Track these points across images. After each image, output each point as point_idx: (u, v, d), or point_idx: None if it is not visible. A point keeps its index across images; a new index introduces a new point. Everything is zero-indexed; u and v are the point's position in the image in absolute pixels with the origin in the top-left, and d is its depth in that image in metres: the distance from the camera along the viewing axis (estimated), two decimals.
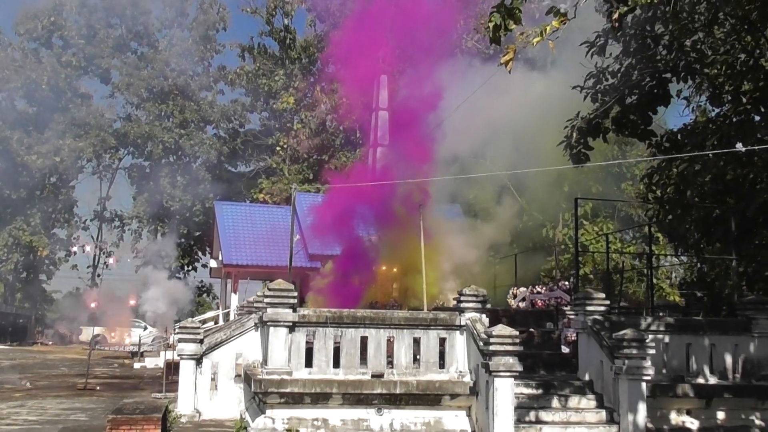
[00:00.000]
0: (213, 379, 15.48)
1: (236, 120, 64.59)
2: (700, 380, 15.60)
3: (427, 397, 14.33)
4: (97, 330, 49.34)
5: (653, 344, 14.35)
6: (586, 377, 15.30)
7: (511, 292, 29.41)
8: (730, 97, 20.17)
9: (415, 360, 14.80)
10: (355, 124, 51.73)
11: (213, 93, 65.27)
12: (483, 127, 30.52)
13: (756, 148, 17.54)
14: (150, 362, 34.87)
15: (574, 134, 20.02)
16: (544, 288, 28.31)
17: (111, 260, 58.73)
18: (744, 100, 19.58)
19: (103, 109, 63.67)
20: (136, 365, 34.77)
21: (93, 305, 44.13)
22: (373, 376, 14.33)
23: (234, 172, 64.65)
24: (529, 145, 34.30)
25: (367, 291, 28.76)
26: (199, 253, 62.77)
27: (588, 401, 14.68)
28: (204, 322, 34.38)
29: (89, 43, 62.19)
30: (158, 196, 57.57)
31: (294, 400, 13.95)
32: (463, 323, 14.75)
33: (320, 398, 14.03)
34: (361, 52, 46.27)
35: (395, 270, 30.57)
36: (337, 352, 14.48)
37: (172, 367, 22.78)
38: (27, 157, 55.71)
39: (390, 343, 14.71)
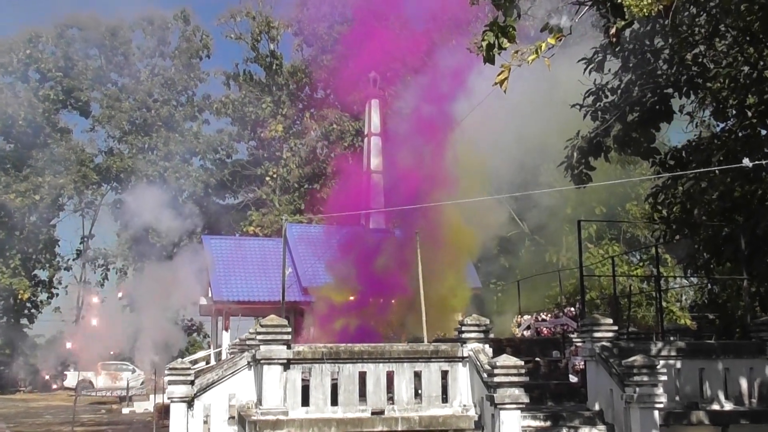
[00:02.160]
0: (205, 422, 15.36)
1: (223, 150, 64.72)
2: (715, 406, 15.56)
3: None
4: (83, 375, 49.32)
5: (665, 370, 14.30)
6: (596, 407, 15.25)
7: (515, 321, 29.38)
8: (734, 111, 20.30)
9: (417, 394, 14.74)
10: (346, 150, 52.01)
11: (198, 123, 65.43)
12: (481, 149, 30.58)
13: (764, 162, 17.59)
14: (139, 406, 34.69)
15: (575, 154, 20.10)
16: (549, 315, 28.31)
17: (120, 294, 58.32)
18: (749, 113, 19.71)
19: (83, 143, 63.92)
20: (125, 410, 34.62)
21: (69, 346, 43.92)
22: (373, 413, 14.27)
23: (222, 204, 64.68)
24: (529, 167, 34.41)
25: (369, 320, 28.84)
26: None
27: None
28: (195, 362, 34.26)
29: (67, 75, 62.41)
30: (143, 232, 57.45)
31: None
32: (465, 354, 14.72)
33: None
34: (351, 76, 46.58)
35: (393, 301, 30.55)
36: (334, 389, 14.42)
37: (163, 411, 22.68)
38: (5, 197, 55.70)
39: (390, 377, 14.67)
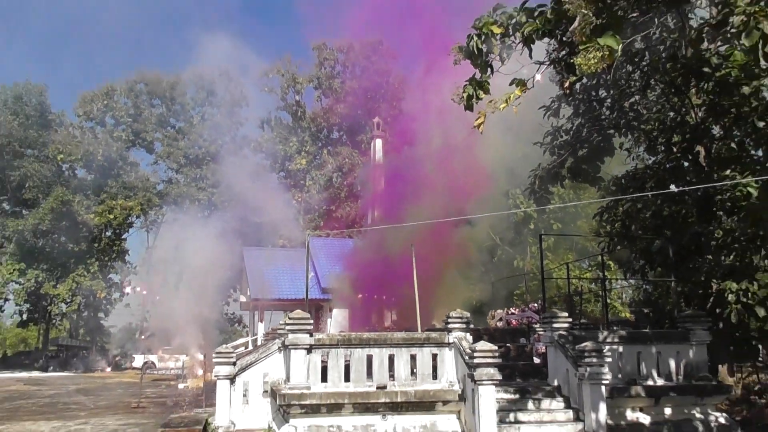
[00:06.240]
0: (244, 395, 15.29)
1: (258, 180, 64.56)
2: (650, 382, 15.51)
3: (423, 404, 14.21)
4: (147, 357, 49.18)
5: (610, 353, 14.27)
6: (555, 383, 15.19)
7: (490, 314, 29.28)
8: (663, 148, 20.31)
9: (413, 373, 14.69)
10: (356, 179, 52.15)
11: (239, 158, 65.32)
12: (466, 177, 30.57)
13: (686, 188, 17.66)
14: (192, 383, 34.45)
15: (537, 182, 20.19)
16: (517, 309, 28.21)
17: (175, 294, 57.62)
18: (674, 149, 19.72)
19: (148, 174, 63.82)
20: (180, 386, 34.38)
21: (142, 337, 43.69)
22: (378, 387, 14.23)
23: (258, 222, 64.41)
24: (502, 191, 34.39)
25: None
26: (231, 291, 62.41)
27: (557, 403, 14.57)
28: (236, 347, 34.02)
29: (136, 120, 62.60)
30: (195, 244, 57.24)
31: (312, 410, 13.84)
32: (451, 341, 14.68)
33: (334, 408, 13.91)
34: (359, 121, 46.48)
35: (393, 299, 30.49)
36: (347, 368, 14.39)
37: (211, 387, 22.56)
38: (86, 216, 55.82)
39: (391, 359, 14.62)
